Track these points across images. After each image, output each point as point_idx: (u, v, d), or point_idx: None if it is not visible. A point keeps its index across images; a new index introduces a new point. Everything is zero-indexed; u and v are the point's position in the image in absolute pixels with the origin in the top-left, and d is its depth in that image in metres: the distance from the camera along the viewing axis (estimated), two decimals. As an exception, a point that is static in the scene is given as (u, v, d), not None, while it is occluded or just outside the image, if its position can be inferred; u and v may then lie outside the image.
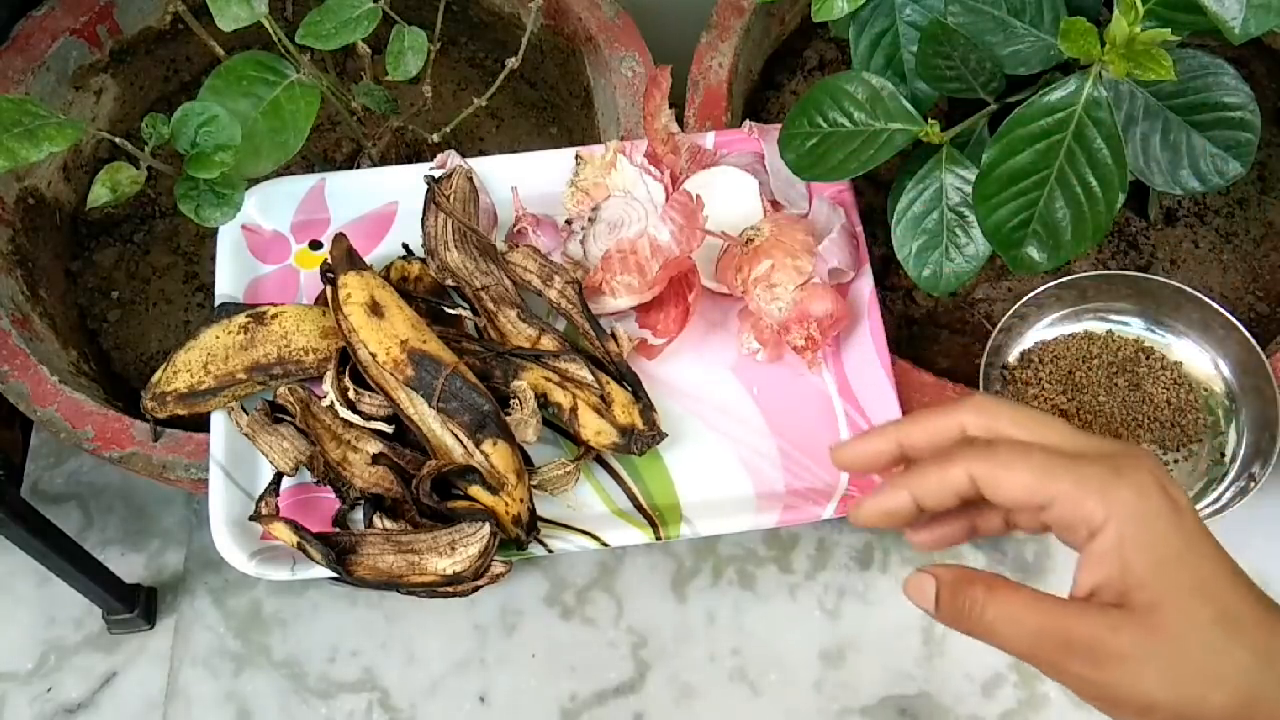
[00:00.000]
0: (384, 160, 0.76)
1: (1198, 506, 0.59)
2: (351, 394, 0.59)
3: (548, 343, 0.61)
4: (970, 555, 0.97)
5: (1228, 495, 0.59)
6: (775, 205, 0.66)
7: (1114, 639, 0.36)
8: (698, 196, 0.63)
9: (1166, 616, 0.36)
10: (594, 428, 0.58)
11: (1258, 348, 0.60)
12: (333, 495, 0.60)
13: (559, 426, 0.61)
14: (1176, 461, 0.61)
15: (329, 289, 0.60)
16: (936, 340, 0.71)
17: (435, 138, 0.73)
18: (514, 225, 0.67)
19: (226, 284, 0.65)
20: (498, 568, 0.57)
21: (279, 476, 0.60)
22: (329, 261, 0.61)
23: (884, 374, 0.61)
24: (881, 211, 0.71)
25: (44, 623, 0.94)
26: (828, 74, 0.81)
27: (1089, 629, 0.36)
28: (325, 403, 0.60)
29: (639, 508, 0.60)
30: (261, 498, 0.59)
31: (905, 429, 0.43)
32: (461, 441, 0.57)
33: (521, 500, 0.57)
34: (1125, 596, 0.36)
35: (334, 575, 0.56)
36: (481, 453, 0.57)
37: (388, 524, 0.58)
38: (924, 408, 0.59)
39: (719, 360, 0.64)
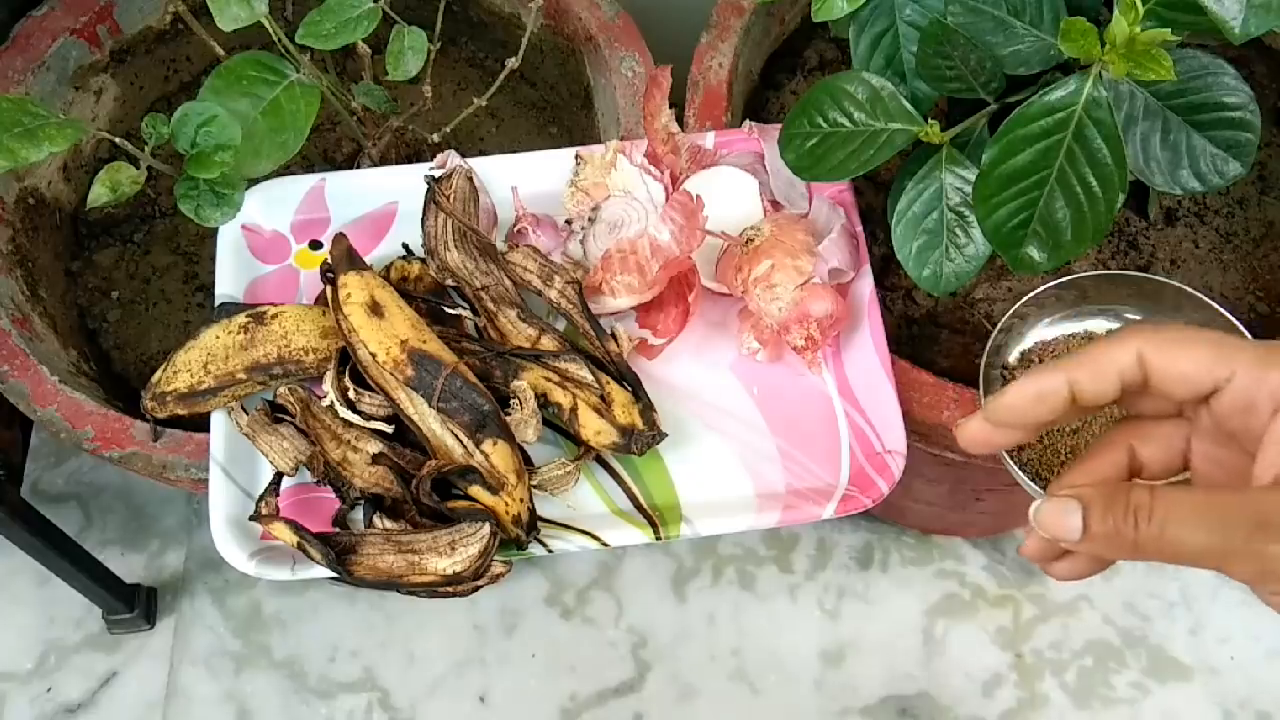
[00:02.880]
0: (384, 160, 0.76)
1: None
2: (351, 394, 0.59)
3: (548, 343, 0.61)
4: (970, 554, 0.97)
5: (1228, 495, 0.59)
6: (775, 205, 0.66)
7: None
8: (698, 196, 0.63)
9: None
10: (594, 428, 0.58)
11: (1258, 348, 0.60)
12: (333, 495, 0.60)
13: (559, 426, 0.61)
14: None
15: (329, 289, 0.60)
16: (936, 340, 0.71)
17: (435, 138, 0.73)
18: (514, 225, 0.67)
19: (226, 284, 0.65)
20: (498, 568, 0.57)
21: (279, 476, 0.60)
22: (329, 261, 0.61)
23: (884, 374, 0.61)
24: (881, 211, 0.71)
25: (44, 623, 0.94)
26: (828, 74, 0.81)
27: None
28: (325, 403, 0.60)
29: (639, 508, 0.60)
30: (261, 498, 0.59)
31: (1070, 368, 0.37)
32: (461, 441, 0.57)
33: (521, 500, 0.57)
34: None
35: (334, 575, 0.56)
36: (481, 453, 0.57)
37: (388, 524, 0.58)
38: (924, 404, 0.59)
39: (719, 360, 0.64)
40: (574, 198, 0.66)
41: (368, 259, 0.63)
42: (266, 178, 0.66)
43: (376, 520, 0.58)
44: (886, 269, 0.72)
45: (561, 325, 0.64)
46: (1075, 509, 0.34)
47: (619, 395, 0.59)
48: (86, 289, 0.79)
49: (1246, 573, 0.32)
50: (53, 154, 0.56)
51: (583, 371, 0.60)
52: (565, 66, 0.82)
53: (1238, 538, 0.32)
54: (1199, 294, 0.61)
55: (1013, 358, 0.63)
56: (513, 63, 0.69)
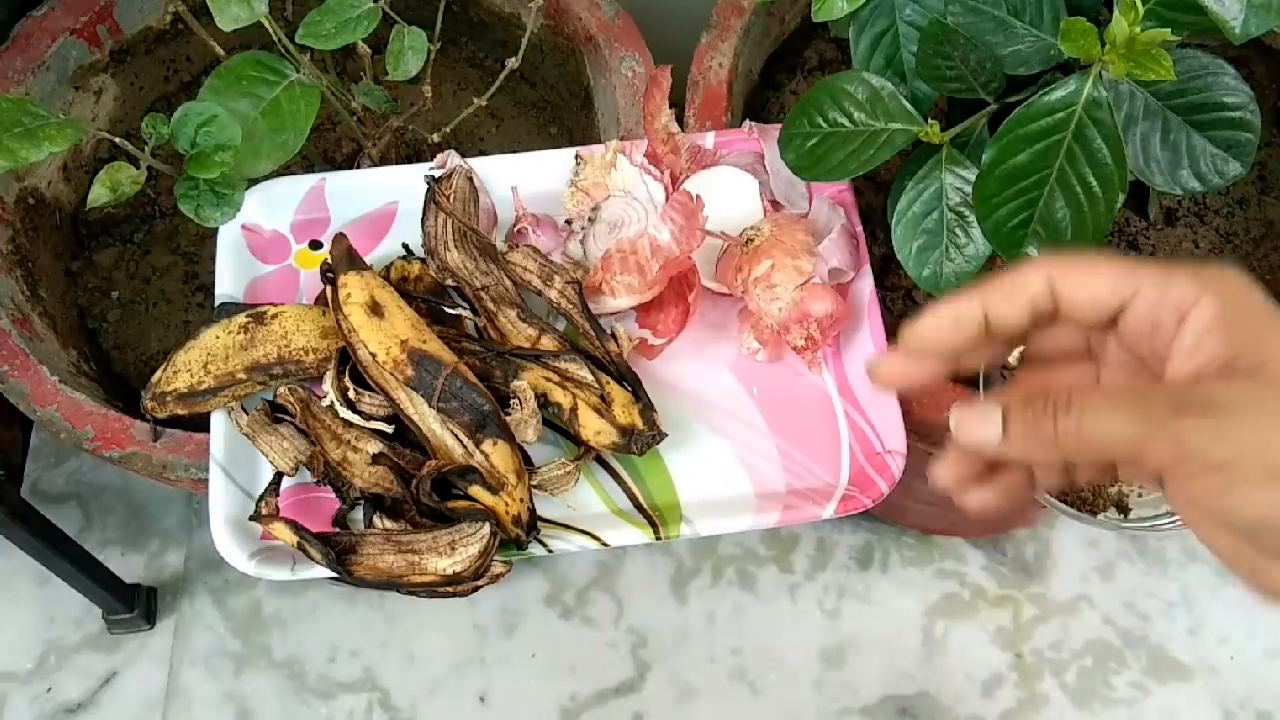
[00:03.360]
0: (384, 160, 0.76)
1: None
2: (351, 394, 0.59)
3: (548, 343, 0.61)
4: (970, 554, 0.97)
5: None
6: (775, 205, 0.66)
7: (1228, 392, 0.33)
8: (698, 196, 0.63)
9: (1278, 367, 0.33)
10: (594, 428, 0.58)
11: (1258, 348, 0.60)
12: (333, 495, 0.60)
13: (559, 426, 0.61)
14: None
15: (329, 289, 0.60)
16: (936, 340, 0.71)
17: (435, 138, 0.73)
18: (514, 225, 0.67)
19: (226, 284, 0.65)
20: (498, 568, 0.57)
21: (279, 476, 0.60)
22: (329, 261, 0.61)
23: (884, 374, 0.61)
24: (881, 211, 0.71)
25: (44, 623, 0.94)
26: (828, 74, 0.81)
27: (1198, 387, 0.33)
28: (325, 403, 0.60)
29: (639, 508, 0.60)
30: (261, 498, 0.59)
31: (983, 293, 0.37)
32: (461, 441, 0.57)
33: (521, 500, 0.57)
34: (1230, 364, 0.34)
35: (334, 575, 0.56)
36: (481, 453, 0.57)
37: (388, 524, 0.58)
38: (924, 404, 0.59)
39: (719, 360, 0.64)
40: (574, 198, 0.66)
41: (368, 259, 0.63)
42: (266, 178, 0.66)
43: (376, 520, 0.58)
44: (886, 269, 0.72)
45: (561, 325, 0.64)
46: (995, 411, 0.36)
47: (619, 395, 0.59)
48: (86, 289, 0.79)
49: (1164, 456, 0.33)
50: (53, 154, 0.56)
51: (583, 371, 0.60)
52: (565, 66, 0.82)
53: (1155, 419, 0.33)
54: (1199, 294, 0.61)
55: (1013, 357, 0.63)
56: (513, 63, 0.69)
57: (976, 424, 0.36)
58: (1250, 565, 0.34)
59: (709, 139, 0.68)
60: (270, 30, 0.61)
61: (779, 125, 0.62)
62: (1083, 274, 0.36)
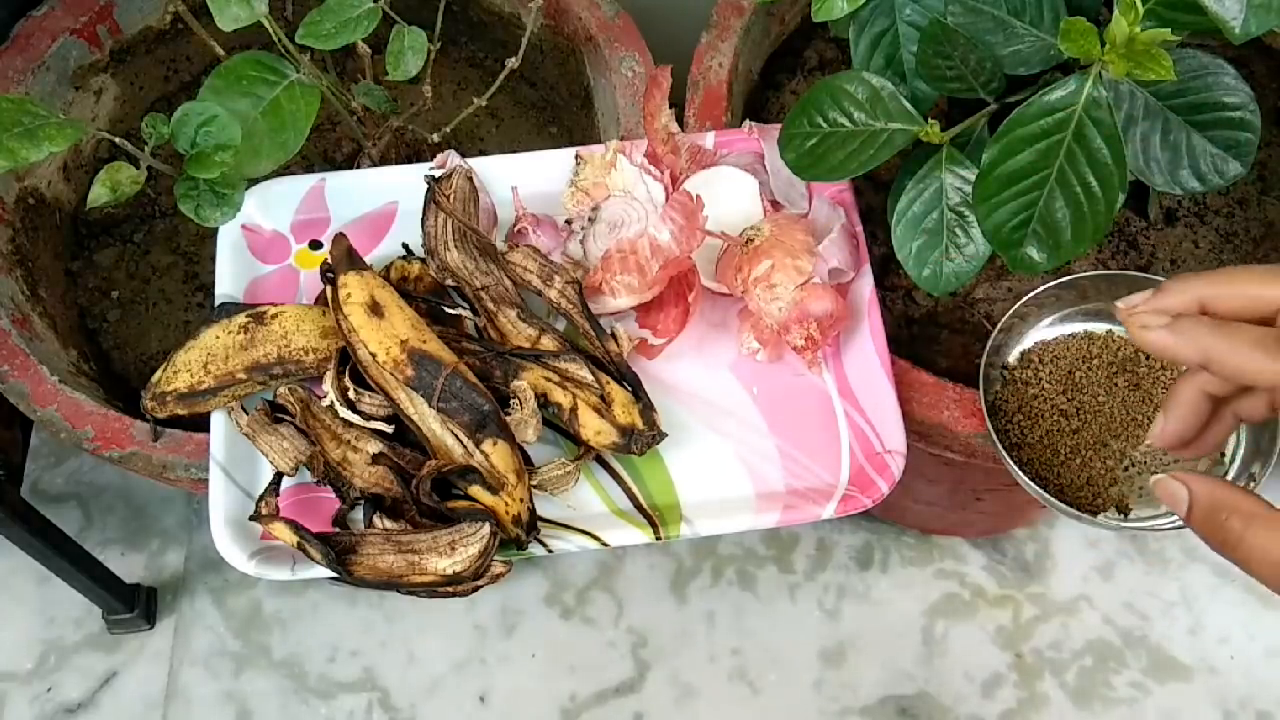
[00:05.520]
0: (384, 160, 0.76)
1: (1198, 506, 0.59)
2: (351, 394, 0.59)
3: (548, 343, 0.61)
4: (970, 554, 0.97)
5: (1228, 495, 0.59)
6: (775, 205, 0.67)
7: None
8: (698, 196, 0.63)
9: None
10: (594, 428, 0.58)
11: (1258, 348, 0.60)
12: (333, 495, 0.60)
13: (559, 426, 0.61)
14: (1176, 461, 0.61)
15: (329, 289, 0.60)
16: (936, 340, 0.71)
17: (435, 138, 0.73)
18: (514, 225, 0.67)
19: (226, 284, 0.65)
20: (498, 568, 0.57)
21: (279, 476, 0.60)
22: (329, 261, 0.61)
23: (884, 374, 0.61)
24: (881, 211, 0.71)
25: (44, 623, 0.94)
26: (828, 74, 0.81)
27: None
28: (325, 403, 0.60)
29: (639, 508, 0.60)
30: (261, 498, 0.59)
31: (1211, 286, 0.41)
32: (461, 441, 0.57)
33: (521, 500, 0.57)
34: None
35: (334, 575, 0.56)
36: (481, 453, 0.57)
37: (388, 524, 0.58)
38: (924, 404, 0.59)
39: (719, 360, 0.64)
40: (574, 198, 0.66)
41: (368, 259, 0.63)
42: (266, 178, 0.66)
43: (376, 520, 0.58)
44: (886, 269, 0.72)
45: (561, 325, 0.64)
46: (1185, 496, 0.42)
47: (619, 395, 0.59)
48: (86, 289, 0.79)
49: None
50: (53, 154, 0.56)
51: (583, 371, 0.60)
52: (565, 66, 0.82)
53: None
54: (1199, 294, 0.61)
55: (1012, 358, 0.63)
56: (513, 63, 0.69)
57: (1169, 498, 0.42)
58: None
59: (709, 139, 0.68)
60: (270, 30, 0.61)
61: (779, 125, 0.62)
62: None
